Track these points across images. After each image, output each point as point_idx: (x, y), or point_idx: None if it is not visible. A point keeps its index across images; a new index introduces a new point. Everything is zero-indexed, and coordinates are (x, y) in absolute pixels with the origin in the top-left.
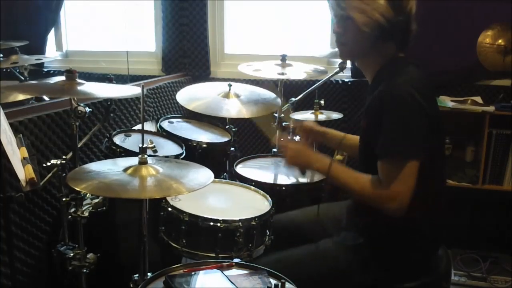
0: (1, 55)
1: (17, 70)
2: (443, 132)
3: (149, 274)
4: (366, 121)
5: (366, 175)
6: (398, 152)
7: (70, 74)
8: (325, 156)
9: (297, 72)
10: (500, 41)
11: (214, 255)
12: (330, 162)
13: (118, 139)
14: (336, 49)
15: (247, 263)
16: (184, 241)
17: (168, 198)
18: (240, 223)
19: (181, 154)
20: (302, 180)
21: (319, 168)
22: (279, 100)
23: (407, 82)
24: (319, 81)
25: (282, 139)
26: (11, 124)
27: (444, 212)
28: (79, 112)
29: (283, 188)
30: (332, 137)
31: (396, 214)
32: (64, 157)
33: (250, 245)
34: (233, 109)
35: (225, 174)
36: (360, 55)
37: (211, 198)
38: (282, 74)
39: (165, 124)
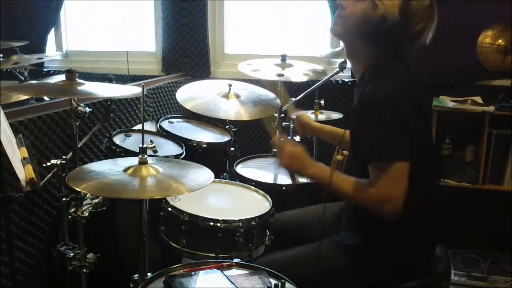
0: (1, 55)
1: (17, 70)
2: (430, 132)
3: (149, 274)
4: (354, 121)
5: (361, 180)
6: (384, 154)
7: (70, 74)
8: (322, 165)
9: (297, 72)
10: (500, 41)
11: (214, 255)
12: (330, 169)
13: (118, 139)
14: (336, 49)
15: (247, 263)
16: (184, 241)
17: (168, 198)
18: (240, 223)
19: (181, 154)
20: (302, 180)
21: (313, 175)
22: (278, 101)
23: (392, 84)
24: (319, 81)
25: (281, 140)
26: (11, 124)
27: (443, 212)
28: (79, 112)
29: (283, 188)
30: (327, 133)
31: (390, 217)
32: (64, 157)
33: (250, 245)
34: (232, 110)
35: (225, 174)
36: (349, 37)
37: (211, 198)
38: (282, 75)
39: (165, 124)
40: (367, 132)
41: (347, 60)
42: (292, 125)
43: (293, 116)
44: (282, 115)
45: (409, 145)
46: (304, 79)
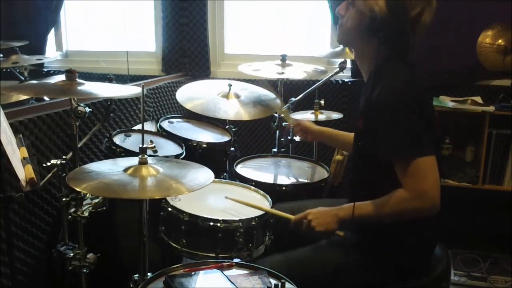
0: (1, 55)
1: (17, 70)
2: (434, 132)
3: (149, 274)
4: (363, 121)
5: (387, 195)
6: (408, 152)
7: (70, 74)
8: (341, 203)
9: (297, 72)
10: (500, 41)
11: (214, 255)
12: (352, 205)
13: (118, 139)
14: (336, 49)
15: (247, 263)
16: (184, 241)
17: (168, 198)
18: (240, 223)
19: (181, 154)
20: (302, 180)
21: (344, 216)
22: (278, 101)
23: (394, 84)
24: (319, 81)
25: (296, 217)
26: (11, 124)
27: (443, 212)
28: (79, 112)
29: (283, 188)
30: (328, 136)
31: (432, 211)
32: (64, 157)
33: (250, 245)
34: (232, 110)
35: (225, 174)
36: (352, 41)
37: (211, 198)
38: (282, 73)
39: (165, 124)
40: (384, 134)
41: (347, 60)
42: (292, 126)
43: (292, 123)
44: (282, 115)
45: (428, 140)
46: (304, 76)
